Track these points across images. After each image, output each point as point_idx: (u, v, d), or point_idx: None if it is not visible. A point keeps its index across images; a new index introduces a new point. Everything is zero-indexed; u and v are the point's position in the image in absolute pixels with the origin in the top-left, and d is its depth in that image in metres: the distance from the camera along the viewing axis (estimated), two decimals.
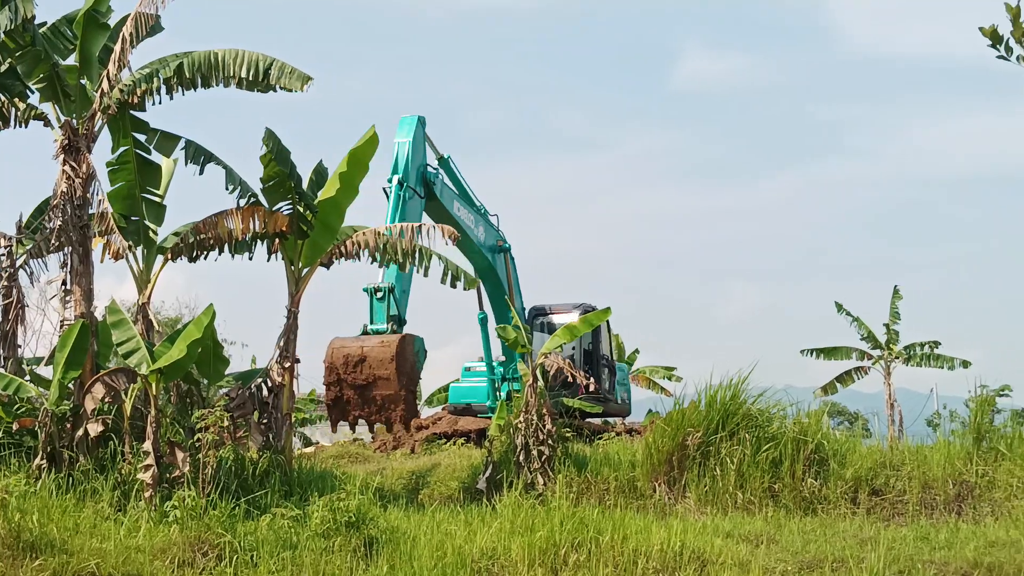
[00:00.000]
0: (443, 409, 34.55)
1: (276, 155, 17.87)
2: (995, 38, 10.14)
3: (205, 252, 18.89)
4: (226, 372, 19.39)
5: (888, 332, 36.93)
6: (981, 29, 10.14)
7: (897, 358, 36.74)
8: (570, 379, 20.91)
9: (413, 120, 25.42)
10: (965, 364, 36.64)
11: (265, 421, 18.60)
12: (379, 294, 22.50)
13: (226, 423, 16.84)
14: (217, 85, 18.35)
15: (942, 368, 36.70)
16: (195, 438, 16.62)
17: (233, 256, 19.12)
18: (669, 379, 43.32)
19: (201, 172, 18.51)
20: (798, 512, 17.90)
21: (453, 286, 20.74)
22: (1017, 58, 10.16)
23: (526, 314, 30.48)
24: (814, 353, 37.32)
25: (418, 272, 20.16)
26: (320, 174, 19.22)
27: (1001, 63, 10.23)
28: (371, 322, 22.15)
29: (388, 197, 23.95)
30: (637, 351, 45.84)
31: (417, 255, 19.75)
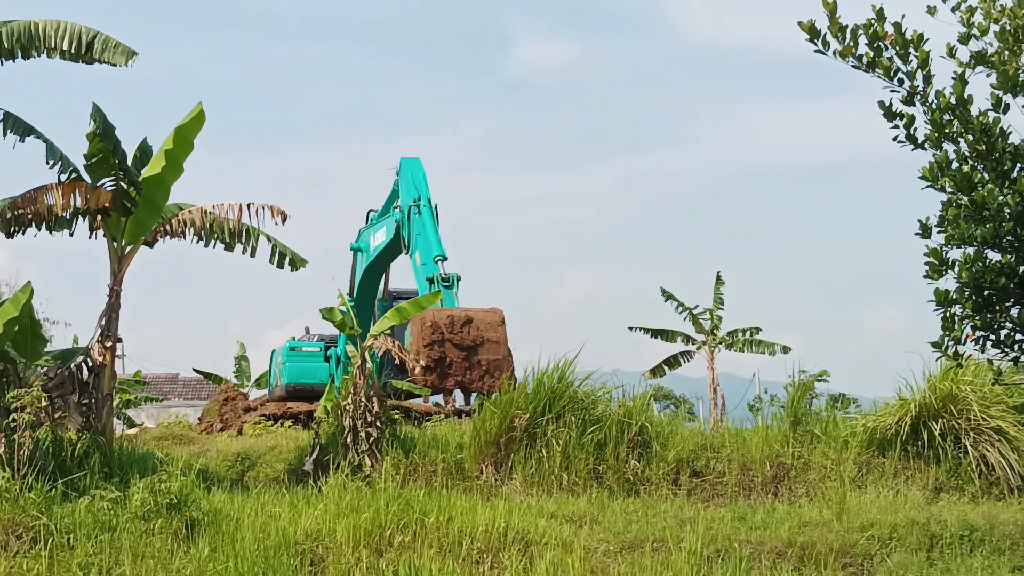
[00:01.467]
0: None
1: (101, 131, 17.38)
2: (813, 33, 10.42)
3: (23, 228, 18.29)
4: (45, 351, 18.86)
5: (712, 317, 37.73)
6: (800, 24, 10.42)
7: (720, 343, 37.57)
8: (398, 361, 20.90)
9: (418, 160, 28.11)
10: (785, 350, 37.72)
11: (85, 402, 18.11)
12: (446, 283, 22.92)
13: (43, 403, 16.41)
14: (38, 56, 17.75)
15: (763, 353, 37.71)
16: (10, 418, 16.15)
17: (52, 233, 18.58)
18: None
19: (22, 141, 17.91)
20: (621, 493, 18.19)
21: (280, 266, 20.49)
22: (834, 52, 10.45)
23: (388, 297, 31.11)
24: (642, 331, 37.94)
25: (244, 253, 19.90)
26: (144, 151, 18.74)
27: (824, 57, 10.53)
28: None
29: (409, 218, 26.13)
30: None
31: (244, 235, 19.50)
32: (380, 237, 29.23)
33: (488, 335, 20.91)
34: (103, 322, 18.52)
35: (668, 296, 37.91)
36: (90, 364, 18.31)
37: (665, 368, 38.22)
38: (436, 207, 26.71)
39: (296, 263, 20.74)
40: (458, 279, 24.13)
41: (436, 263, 24.70)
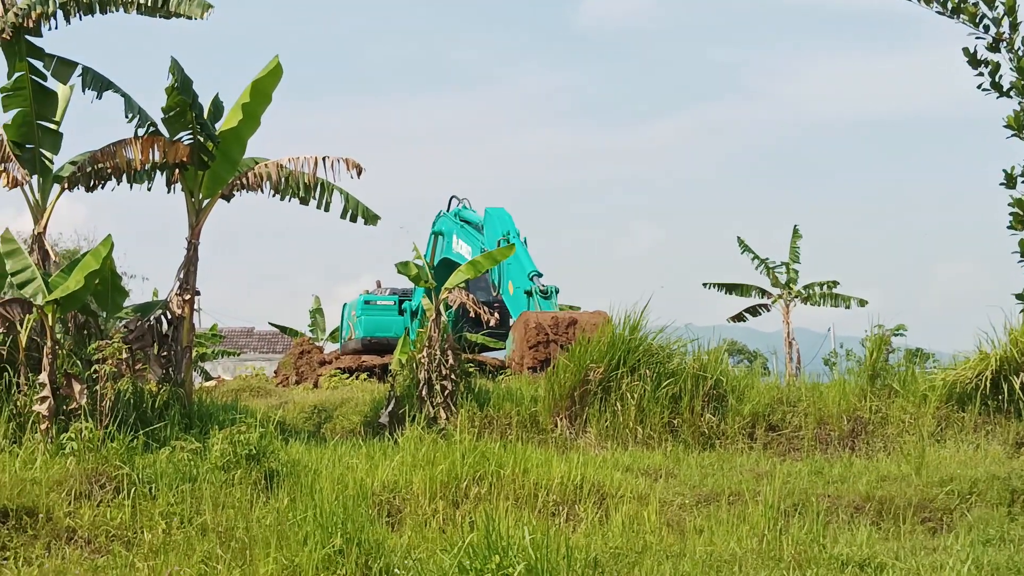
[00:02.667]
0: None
1: (180, 84, 17.51)
2: None
3: (103, 182, 18.48)
4: (125, 304, 19.12)
5: (788, 271, 37.34)
6: None
7: (796, 297, 37.20)
8: (472, 314, 20.97)
9: (503, 208, 28.28)
10: (862, 303, 37.26)
11: (165, 354, 18.37)
12: (545, 294, 23.29)
13: (124, 355, 16.63)
14: (116, 10, 17.85)
15: (839, 307, 37.28)
16: (92, 370, 16.38)
17: (131, 186, 18.77)
18: None
19: (99, 97, 18.08)
20: (696, 447, 18.13)
21: (354, 221, 20.53)
22: None
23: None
24: (717, 287, 37.66)
25: (319, 207, 19.97)
26: (217, 106, 18.84)
27: (899, 6, 10.30)
28: None
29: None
30: None
31: (319, 189, 19.58)
32: (464, 250, 29.05)
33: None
34: (181, 275, 18.73)
35: (745, 248, 37.55)
36: (169, 317, 18.56)
37: (747, 315, 37.87)
38: (526, 240, 26.60)
39: (369, 218, 20.78)
40: (556, 291, 24.19)
41: (531, 279, 24.72)
